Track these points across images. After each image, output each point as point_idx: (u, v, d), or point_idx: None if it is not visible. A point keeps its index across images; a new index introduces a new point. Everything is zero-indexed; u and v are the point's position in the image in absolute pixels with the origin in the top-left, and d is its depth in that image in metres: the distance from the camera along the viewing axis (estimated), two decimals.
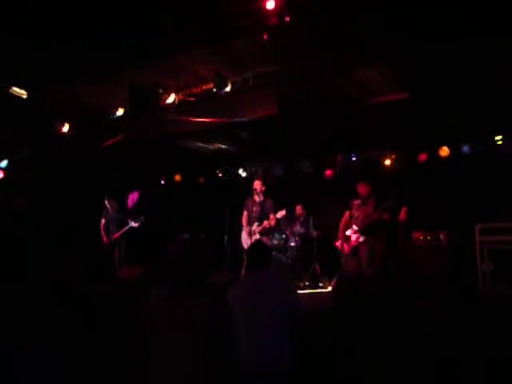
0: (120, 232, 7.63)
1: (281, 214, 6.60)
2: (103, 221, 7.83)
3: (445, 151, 7.36)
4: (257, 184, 6.76)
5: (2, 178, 7.74)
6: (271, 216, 6.62)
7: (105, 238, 7.72)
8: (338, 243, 6.71)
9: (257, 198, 6.74)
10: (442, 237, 6.64)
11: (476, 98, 5.96)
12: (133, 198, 8.72)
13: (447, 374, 3.30)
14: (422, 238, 6.89)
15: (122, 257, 7.69)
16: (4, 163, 7.69)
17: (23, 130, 6.83)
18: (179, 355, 2.21)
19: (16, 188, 7.88)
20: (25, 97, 5.76)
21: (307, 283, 7.33)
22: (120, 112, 6.27)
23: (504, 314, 3.99)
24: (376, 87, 5.86)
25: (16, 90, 5.70)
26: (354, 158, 8.22)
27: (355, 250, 6.27)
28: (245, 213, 6.86)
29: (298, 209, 8.07)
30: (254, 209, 6.73)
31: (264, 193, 6.77)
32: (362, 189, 6.39)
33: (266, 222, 6.62)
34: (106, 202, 7.81)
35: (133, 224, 7.57)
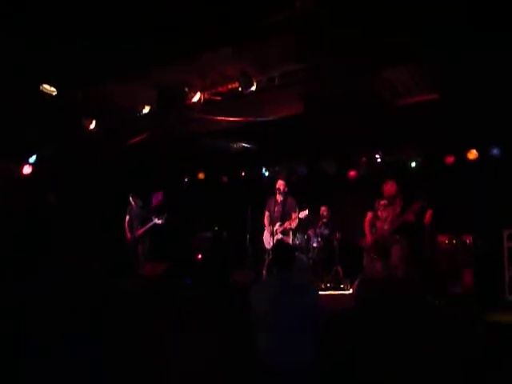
0: (144, 229, 7.73)
1: (303, 213, 6.55)
2: (127, 217, 7.94)
3: (473, 154, 7.19)
4: (280, 184, 6.73)
5: (31, 173, 7.93)
6: (293, 216, 6.58)
7: (128, 235, 7.83)
8: (364, 242, 6.50)
9: (279, 198, 6.72)
10: (468, 241, 6.49)
11: (506, 101, 5.80)
12: (157, 197, 8.81)
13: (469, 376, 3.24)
14: (447, 241, 6.75)
15: (146, 253, 7.78)
16: (33, 158, 7.88)
17: (52, 126, 6.98)
18: (199, 355, 2.23)
19: (45, 184, 8.06)
20: (54, 94, 5.88)
21: (329, 285, 7.27)
22: (146, 110, 6.35)
23: None
24: (404, 88, 5.77)
25: (46, 87, 5.83)
26: (379, 160, 8.10)
27: (384, 251, 6.10)
28: (266, 213, 6.85)
29: (323, 210, 7.99)
30: (276, 209, 6.71)
31: (286, 192, 6.74)
32: (389, 187, 6.17)
33: (287, 223, 6.59)
34: (131, 199, 7.92)
35: (156, 221, 7.65)
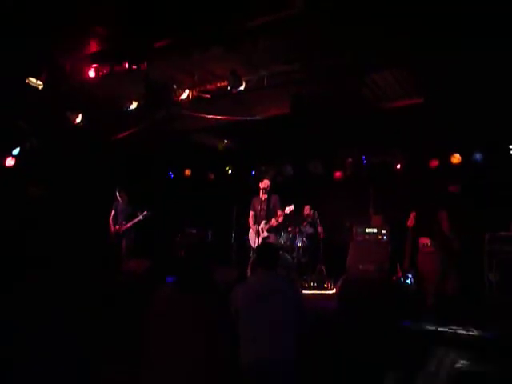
0: (129, 224, 7.68)
1: (289, 209, 6.56)
2: (112, 212, 7.89)
3: (457, 158, 7.32)
4: (265, 183, 6.74)
5: (14, 166, 7.82)
6: (279, 212, 6.60)
7: (112, 229, 7.78)
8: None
9: (263, 197, 6.73)
10: None
11: (489, 106, 5.92)
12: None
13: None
14: (429, 244, 6.86)
15: (130, 249, 7.73)
16: (16, 151, 7.77)
17: (37, 119, 6.89)
18: (182, 350, 2.23)
19: (28, 176, 7.95)
20: (41, 87, 5.81)
21: (312, 284, 7.33)
22: (134, 105, 6.31)
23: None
24: (391, 91, 5.84)
25: (32, 80, 5.75)
26: (364, 161, 8.20)
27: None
28: (251, 213, 6.86)
29: (307, 209, 8.06)
30: (261, 207, 6.71)
31: (270, 191, 6.75)
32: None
33: (273, 220, 6.61)
34: (117, 194, 7.86)
35: (141, 217, 7.61)
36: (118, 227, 7.75)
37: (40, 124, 7.12)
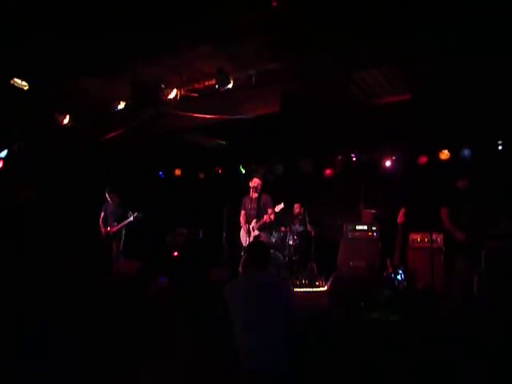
0: (119, 226, 7.62)
1: (279, 207, 6.58)
2: (102, 214, 7.83)
3: (445, 154, 7.37)
4: (255, 182, 6.74)
5: (2, 168, 7.73)
6: (269, 210, 6.60)
7: (102, 231, 7.72)
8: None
9: (254, 196, 6.73)
10: (438, 239, 6.64)
11: (477, 103, 5.96)
12: None
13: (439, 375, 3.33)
14: (419, 239, 6.91)
15: (121, 250, 7.68)
16: (3, 153, 7.67)
17: (24, 120, 6.81)
18: (177, 350, 2.22)
19: (16, 179, 7.87)
20: (26, 88, 5.74)
21: (303, 281, 7.34)
22: (121, 105, 6.26)
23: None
24: (379, 88, 5.85)
25: (17, 81, 5.68)
26: (354, 159, 8.23)
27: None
28: (242, 212, 6.86)
29: (296, 207, 8.07)
30: (251, 206, 6.73)
31: (261, 190, 6.76)
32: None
33: (265, 217, 6.61)
34: (107, 196, 7.79)
35: (131, 218, 7.56)
36: (108, 229, 7.68)
37: (27, 125, 7.04)
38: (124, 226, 7.64)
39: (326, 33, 4.47)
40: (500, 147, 6.92)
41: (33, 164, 7.77)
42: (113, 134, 6.90)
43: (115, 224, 7.66)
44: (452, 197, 5.49)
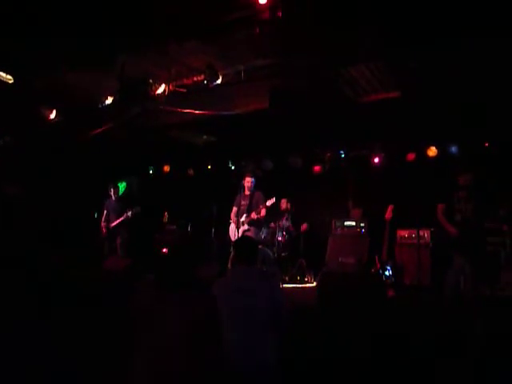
0: (117, 221, 7.50)
1: (270, 202, 6.57)
2: (105, 212, 7.63)
3: (433, 151, 7.43)
4: (248, 181, 6.75)
5: None
6: (260, 206, 6.61)
7: (104, 229, 7.57)
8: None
9: (247, 193, 6.76)
10: (426, 235, 6.71)
11: (465, 100, 6.01)
12: None
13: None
14: (406, 236, 6.97)
15: (124, 246, 7.51)
16: None
17: (8, 115, 6.70)
18: (164, 352, 2.19)
19: (3, 175, 7.74)
20: (11, 82, 5.65)
21: (293, 277, 7.37)
22: (109, 100, 6.19)
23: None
24: (368, 85, 5.87)
25: (2, 74, 5.59)
26: (343, 155, 8.26)
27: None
28: (234, 208, 6.86)
29: (283, 202, 8.04)
30: (243, 202, 6.73)
31: (254, 188, 6.77)
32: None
33: (252, 214, 6.62)
34: (111, 191, 7.64)
35: (129, 214, 7.46)
36: (110, 225, 7.57)
37: (12, 121, 6.93)
38: (122, 221, 7.52)
39: (314, 30, 4.46)
40: (487, 144, 6.97)
41: (19, 160, 7.66)
42: (100, 130, 6.83)
43: (115, 220, 7.56)
44: (449, 193, 5.46)
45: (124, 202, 7.71)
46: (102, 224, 7.60)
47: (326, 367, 3.53)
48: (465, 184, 5.39)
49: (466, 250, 5.23)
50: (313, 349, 3.76)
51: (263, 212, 6.58)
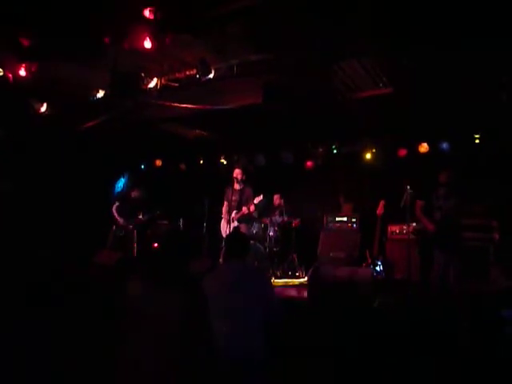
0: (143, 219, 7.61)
1: (258, 199, 6.59)
2: (117, 203, 7.64)
3: (424, 147, 7.47)
4: (237, 173, 6.73)
5: None
6: (250, 203, 6.63)
7: (121, 220, 7.52)
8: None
9: (237, 187, 6.73)
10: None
11: (457, 97, 6.04)
12: None
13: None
14: (397, 231, 7.02)
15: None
16: None
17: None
18: (152, 346, 2.20)
19: None
20: (1, 74, 5.59)
21: (284, 272, 7.39)
22: (100, 94, 6.15)
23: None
24: (361, 81, 5.88)
25: None
26: (335, 151, 8.29)
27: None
28: (225, 203, 6.86)
29: (276, 198, 8.07)
30: (234, 198, 6.72)
31: (244, 181, 6.76)
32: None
33: (244, 209, 6.63)
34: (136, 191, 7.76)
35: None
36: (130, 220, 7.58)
37: (3, 114, 6.86)
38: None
39: (307, 24, 4.45)
40: (477, 141, 7.02)
41: (9, 154, 7.58)
42: (91, 124, 6.78)
43: (140, 217, 7.59)
44: (428, 190, 5.54)
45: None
46: (117, 215, 7.56)
47: (315, 362, 3.55)
48: (444, 181, 5.50)
49: (444, 245, 5.33)
50: (302, 342, 3.78)
51: (252, 208, 6.62)
